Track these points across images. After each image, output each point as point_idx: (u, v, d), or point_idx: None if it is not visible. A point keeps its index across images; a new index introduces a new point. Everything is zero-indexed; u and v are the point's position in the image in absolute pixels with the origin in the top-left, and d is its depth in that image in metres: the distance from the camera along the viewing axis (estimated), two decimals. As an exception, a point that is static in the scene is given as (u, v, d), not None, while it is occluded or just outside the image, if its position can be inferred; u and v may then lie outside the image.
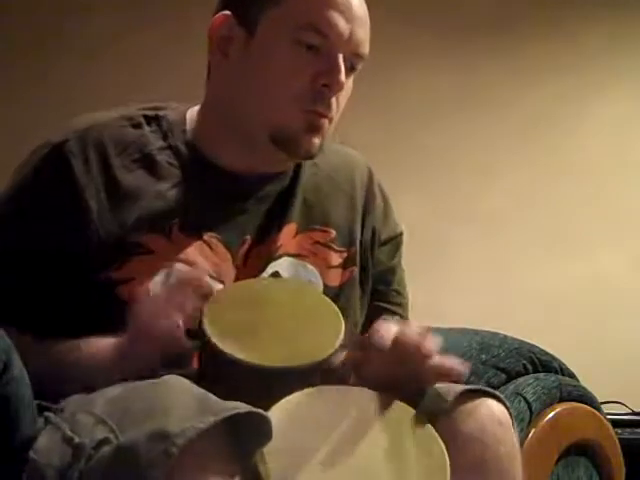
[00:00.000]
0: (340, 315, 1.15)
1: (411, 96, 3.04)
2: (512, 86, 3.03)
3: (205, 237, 1.24)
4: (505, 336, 1.73)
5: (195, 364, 1.15)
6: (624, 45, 3.03)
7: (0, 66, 3.06)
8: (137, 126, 1.28)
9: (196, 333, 1.09)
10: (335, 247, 1.32)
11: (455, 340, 1.70)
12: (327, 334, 1.12)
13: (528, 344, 1.71)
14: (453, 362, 1.10)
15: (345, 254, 1.33)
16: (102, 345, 1.14)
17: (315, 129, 1.23)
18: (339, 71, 1.21)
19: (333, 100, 1.23)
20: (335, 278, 1.31)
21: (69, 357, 1.16)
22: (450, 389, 1.13)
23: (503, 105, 3.03)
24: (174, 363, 1.12)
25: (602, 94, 3.00)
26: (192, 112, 1.32)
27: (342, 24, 1.20)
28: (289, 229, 1.29)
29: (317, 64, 1.21)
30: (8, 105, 3.03)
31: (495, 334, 1.73)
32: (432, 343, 1.09)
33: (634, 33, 3.05)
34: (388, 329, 1.08)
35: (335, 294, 1.27)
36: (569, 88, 3.02)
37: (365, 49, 1.25)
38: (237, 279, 1.24)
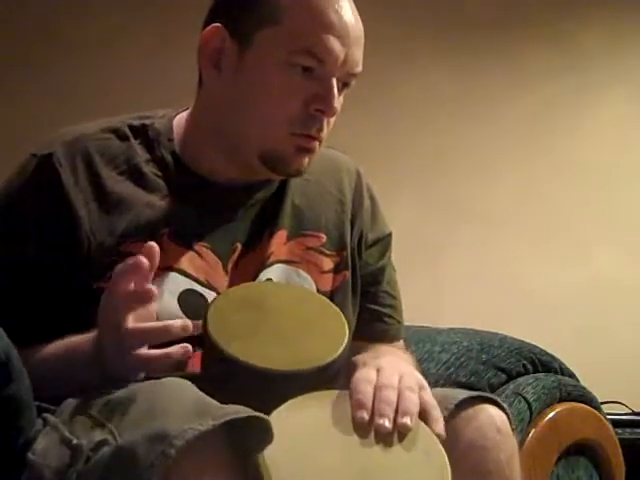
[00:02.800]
0: (344, 320, 1.15)
1: (410, 97, 3.04)
2: (511, 86, 3.03)
3: (195, 246, 1.23)
4: (505, 336, 1.73)
5: (198, 365, 1.15)
6: (624, 45, 3.02)
7: (-1, 66, 3.06)
8: (123, 138, 1.27)
9: (199, 334, 1.09)
10: (326, 252, 1.31)
11: (455, 340, 1.70)
12: (331, 339, 1.11)
13: (528, 344, 1.72)
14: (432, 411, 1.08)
15: (336, 258, 1.32)
16: (81, 340, 1.14)
17: (306, 150, 1.23)
18: (333, 97, 1.20)
19: (324, 122, 1.22)
20: (327, 283, 1.30)
21: (51, 357, 1.16)
22: (450, 396, 1.13)
23: (502, 105, 3.03)
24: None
25: (601, 94, 3.00)
26: (180, 119, 1.31)
27: (338, 49, 1.19)
28: (280, 236, 1.29)
29: (311, 88, 1.20)
30: (7, 105, 3.03)
31: (495, 334, 1.73)
32: (409, 398, 1.06)
33: (634, 33, 3.05)
34: (366, 393, 1.06)
35: (328, 299, 1.26)
36: (568, 88, 3.02)
37: (359, 68, 1.24)
38: (230, 287, 1.23)
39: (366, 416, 1.03)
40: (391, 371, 1.11)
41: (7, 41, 3.08)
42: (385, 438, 1.01)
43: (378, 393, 1.06)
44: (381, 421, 1.02)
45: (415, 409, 1.05)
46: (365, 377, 1.09)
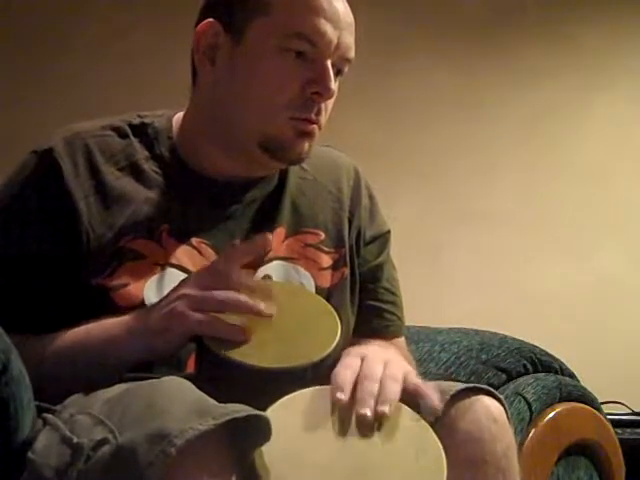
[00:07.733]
0: (336, 316, 1.16)
1: (410, 97, 3.04)
2: (512, 86, 3.03)
3: (194, 243, 1.25)
4: (505, 336, 1.73)
5: (192, 365, 1.15)
6: (624, 45, 3.03)
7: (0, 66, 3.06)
8: (123, 135, 1.28)
9: (195, 336, 1.10)
10: (325, 249, 1.33)
11: (455, 340, 1.70)
12: (323, 335, 1.12)
13: (528, 344, 1.72)
14: (427, 396, 1.08)
15: (335, 255, 1.33)
16: (117, 320, 1.15)
17: (305, 135, 1.24)
18: (329, 79, 1.21)
19: (322, 106, 1.23)
20: (326, 280, 1.31)
21: (78, 340, 1.16)
22: (445, 388, 1.13)
23: (502, 105, 3.03)
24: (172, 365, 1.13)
25: (602, 94, 3.00)
26: (178, 118, 1.32)
27: (330, 32, 1.21)
28: (278, 233, 1.30)
29: (306, 72, 1.21)
30: (8, 105, 3.03)
31: (495, 334, 1.74)
32: (389, 387, 1.06)
33: (634, 33, 3.05)
34: (345, 378, 1.07)
35: (327, 295, 1.27)
36: (568, 88, 3.02)
37: (352, 53, 1.25)
38: None
39: (344, 397, 1.03)
40: (375, 359, 1.11)
41: (7, 41, 3.09)
42: (380, 432, 1.02)
43: (360, 383, 1.06)
44: (362, 411, 1.02)
45: (394, 397, 1.05)
46: (346, 364, 1.09)
